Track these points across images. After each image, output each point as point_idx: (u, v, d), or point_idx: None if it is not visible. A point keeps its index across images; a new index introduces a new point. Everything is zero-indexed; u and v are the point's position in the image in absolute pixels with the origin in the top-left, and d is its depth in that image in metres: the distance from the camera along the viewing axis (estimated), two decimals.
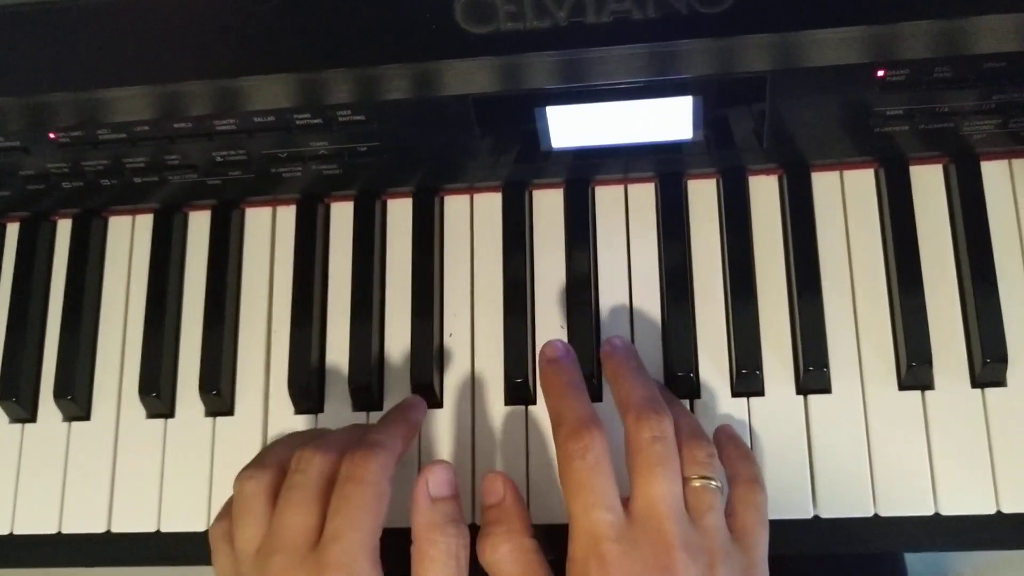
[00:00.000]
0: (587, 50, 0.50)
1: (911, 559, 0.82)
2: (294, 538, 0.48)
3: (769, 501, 0.55)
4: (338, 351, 0.62)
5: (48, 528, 0.62)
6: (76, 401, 0.63)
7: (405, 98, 0.54)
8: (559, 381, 0.54)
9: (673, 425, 0.50)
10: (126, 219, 0.67)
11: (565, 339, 0.60)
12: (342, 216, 0.65)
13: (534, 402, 0.60)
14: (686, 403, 0.59)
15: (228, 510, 0.53)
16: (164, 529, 0.61)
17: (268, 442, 0.62)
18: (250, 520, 0.50)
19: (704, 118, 0.56)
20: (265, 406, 0.63)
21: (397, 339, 0.62)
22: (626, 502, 0.49)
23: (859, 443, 0.57)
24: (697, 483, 0.50)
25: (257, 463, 0.52)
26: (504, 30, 0.48)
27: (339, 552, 0.47)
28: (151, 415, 0.63)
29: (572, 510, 0.49)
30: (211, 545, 0.53)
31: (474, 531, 0.52)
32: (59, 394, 0.63)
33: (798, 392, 0.58)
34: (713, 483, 0.50)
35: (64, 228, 0.68)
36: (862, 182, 0.61)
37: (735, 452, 0.54)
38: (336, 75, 0.52)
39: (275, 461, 0.52)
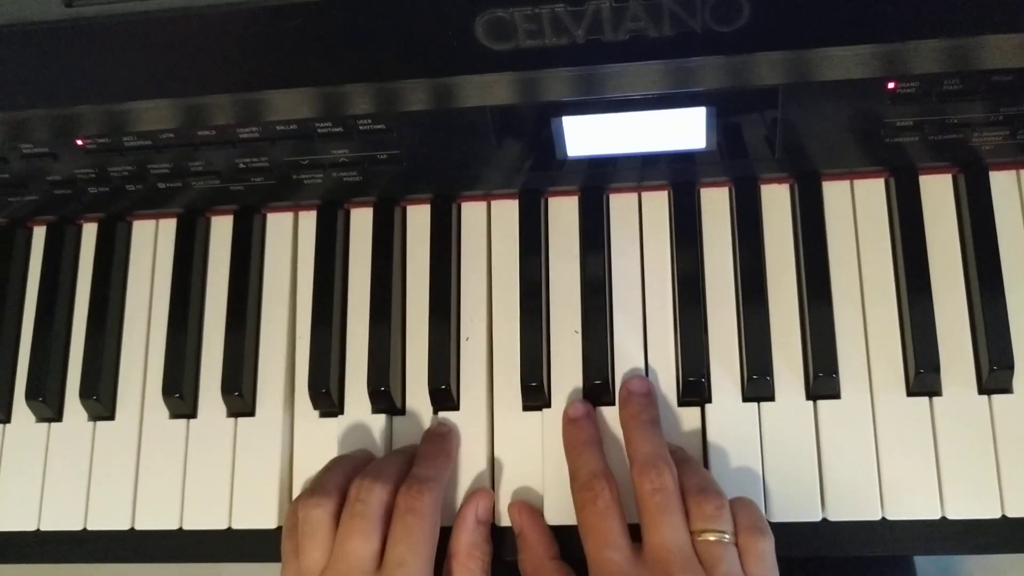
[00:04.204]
0: (604, 66, 0.51)
1: (920, 559, 0.83)
2: (359, 563, 0.53)
3: (779, 504, 0.57)
4: (358, 354, 0.64)
5: (73, 525, 0.64)
6: (101, 401, 0.65)
7: (425, 109, 0.55)
8: (577, 440, 0.59)
9: (675, 478, 0.54)
10: (150, 223, 0.69)
11: (579, 344, 0.61)
12: (362, 222, 0.66)
13: (549, 405, 0.61)
14: (696, 411, 0.60)
15: (294, 528, 0.56)
16: (186, 527, 0.63)
17: (287, 443, 0.63)
18: (316, 544, 0.55)
19: (717, 128, 0.57)
20: (285, 408, 0.64)
21: (415, 342, 0.63)
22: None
23: (867, 448, 0.58)
24: (711, 537, 0.52)
25: (320, 491, 0.56)
26: (523, 47, 0.49)
27: None
28: (174, 415, 0.65)
29: (586, 550, 0.54)
30: (283, 556, 0.57)
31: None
32: (84, 394, 0.65)
33: (808, 397, 0.59)
34: (726, 536, 0.53)
35: (89, 232, 0.69)
36: (872, 191, 0.62)
37: (734, 503, 0.55)
38: (359, 89, 0.53)
39: (335, 487, 0.57)
